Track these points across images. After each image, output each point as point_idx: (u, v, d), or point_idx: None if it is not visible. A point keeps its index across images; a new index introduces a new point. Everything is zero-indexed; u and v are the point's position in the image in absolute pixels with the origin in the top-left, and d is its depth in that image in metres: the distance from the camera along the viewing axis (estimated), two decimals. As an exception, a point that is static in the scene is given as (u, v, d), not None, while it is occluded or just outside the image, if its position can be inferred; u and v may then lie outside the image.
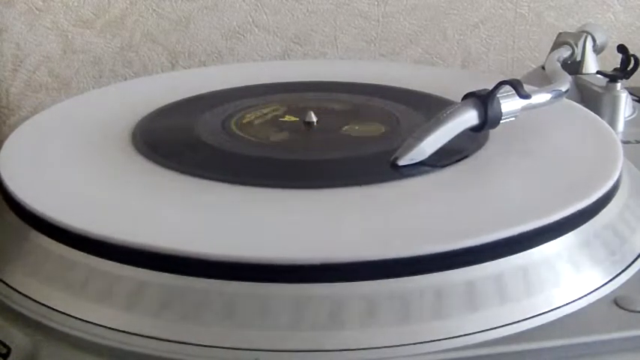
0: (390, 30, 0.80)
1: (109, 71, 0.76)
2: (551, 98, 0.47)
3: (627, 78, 0.57)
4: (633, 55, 0.56)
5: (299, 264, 0.33)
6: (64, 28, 0.74)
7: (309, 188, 0.40)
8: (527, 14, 0.82)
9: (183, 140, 0.47)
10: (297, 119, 0.49)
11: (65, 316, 0.34)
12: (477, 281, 0.34)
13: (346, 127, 0.49)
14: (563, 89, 0.48)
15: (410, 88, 0.56)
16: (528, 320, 0.34)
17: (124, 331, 0.33)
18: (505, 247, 0.35)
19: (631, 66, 0.56)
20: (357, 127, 0.48)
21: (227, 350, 0.32)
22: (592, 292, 0.36)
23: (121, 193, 0.40)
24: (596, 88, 0.58)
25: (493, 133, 0.45)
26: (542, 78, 0.56)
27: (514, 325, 0.33)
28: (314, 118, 0.49)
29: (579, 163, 0.43)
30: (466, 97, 0.44)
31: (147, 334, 0.33)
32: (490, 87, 0.43)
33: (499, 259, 0.35)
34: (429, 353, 0.32)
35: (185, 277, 0.34)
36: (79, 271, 0.35)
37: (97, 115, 0.51)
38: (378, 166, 0.43)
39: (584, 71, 0.63)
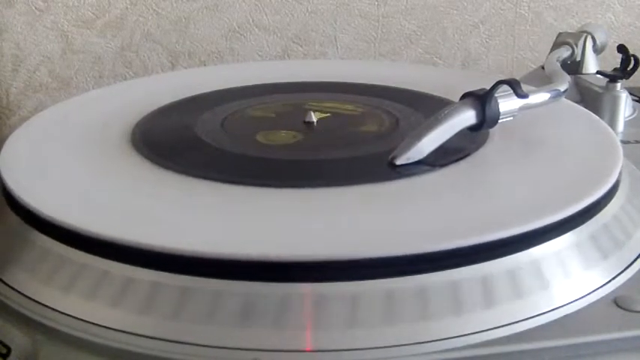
0: (390, 30, 0.80)
1: (109, 71, 0.76)
2: (550, 98, 0.47)
3: (627, 78, 0.57)
4: (633, 55, 0.56)
5: (286, 262, 0.33)
6: (64, 28, 0.74)
7: (308, 188, 0.40)
8: (527, 14, 0.82)
9: (182, 140, 0.47)
10: (297, 119, 0.49)
11: (65, 316, 0.34)
12: (473, 281, 0.34)
13: (346, 127, 0.49)
14: (562, 89, 0.48)
15: (410, 88, 0.56)
16: (528, 320, 0.34)
17: (125, 331, 0.33)
18: (505, 246, 0.35)
19: (631, 66, 0.56)
20: (356, 127, 0.48)
21: (213, 349, 0.32)
22: (592, 292, 0.36)
23: (120, 193, 0.40)
24: (596, 88, 0.58)
25: (492, 132, 0.45)
26: (542, 78, 0.56)
27: (514, 325, 0.33)
28: (314, 118, 0.49)
29: (579, 163, 0.43)
30: (464, 96, 0.44)
31: (149, 335, 0.33)
32: (489, 87, 0.43)
33: (498, 259, 0.35)
34: (429, 353, 0.32)
35: (189, 277, 0.33)
36: (79, 271, 0.35)
37: (97, 115, 0.51)
38: (376, 166, 0.43)
39: (584, 71, 0.63)
